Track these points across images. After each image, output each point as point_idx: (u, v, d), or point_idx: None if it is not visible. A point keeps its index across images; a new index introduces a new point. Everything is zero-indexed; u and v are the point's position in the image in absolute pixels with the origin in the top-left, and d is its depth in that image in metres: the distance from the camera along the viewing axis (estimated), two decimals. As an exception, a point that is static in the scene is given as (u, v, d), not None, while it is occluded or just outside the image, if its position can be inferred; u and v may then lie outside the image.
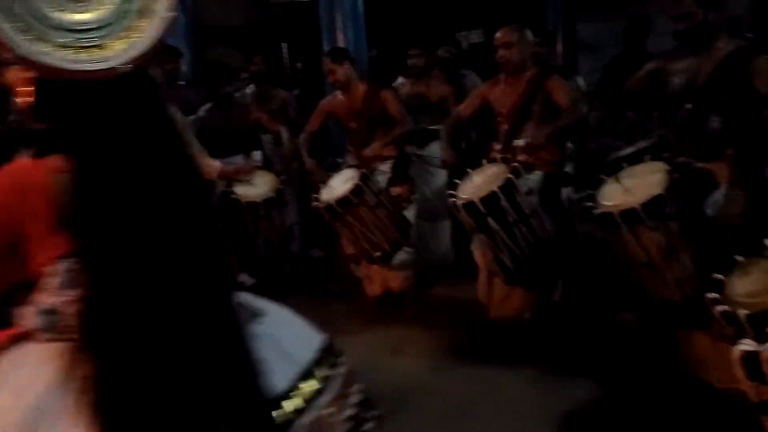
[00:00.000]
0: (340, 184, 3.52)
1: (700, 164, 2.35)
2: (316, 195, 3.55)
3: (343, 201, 3.38)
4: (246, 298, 1.18)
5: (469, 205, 2.89)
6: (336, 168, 3.79)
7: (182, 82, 5.07)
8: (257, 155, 4.12)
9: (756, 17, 5.73)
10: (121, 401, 0.79)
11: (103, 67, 0.83)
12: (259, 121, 4.11)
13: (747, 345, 1.08)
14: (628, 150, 2.61)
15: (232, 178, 3.62)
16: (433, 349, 3.22)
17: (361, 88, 3.83)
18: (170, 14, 0.89)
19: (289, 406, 1.04)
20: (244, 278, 3.94)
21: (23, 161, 0.99)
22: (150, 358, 0.80)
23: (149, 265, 0.84)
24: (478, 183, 3.04)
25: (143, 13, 0.87)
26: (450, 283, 4.04)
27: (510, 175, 2.88)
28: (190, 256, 0.89)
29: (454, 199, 2.99)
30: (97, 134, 0.87)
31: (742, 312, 1.65)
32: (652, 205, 2.25)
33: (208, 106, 4.05)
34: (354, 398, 1.18)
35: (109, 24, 0.84)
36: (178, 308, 0.85)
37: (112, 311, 0.80)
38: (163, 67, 4.35)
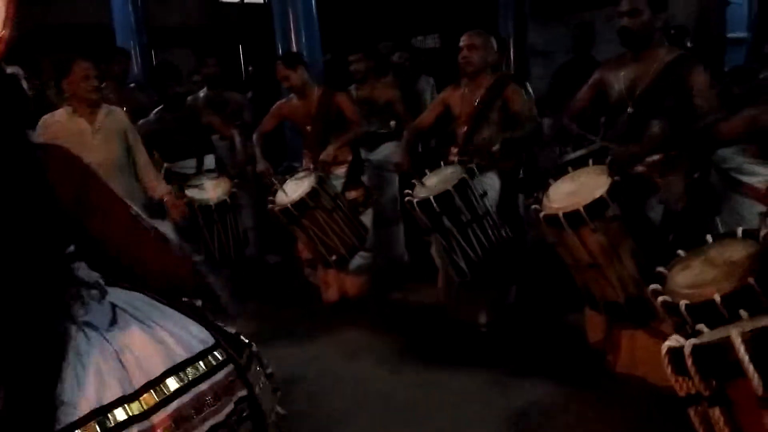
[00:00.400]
0: (296, 188, 3.51)
1: (640, 168, 2.44)
2: (271, 198, 3.53)
3: (299, 204, 3.37)
4: (132, 301, 1.26)
5: (424, 203, 2.94)
6: (292, 172, 3.78)
7: (133, 84, 4.98)
8: (210, 159, 4.07)
9: (700, 27, 5.99)
10: None
11: None
12: (211, 124, 4.06)
13: (672, 341, 1.14)
14: (574, 154, 2.69)
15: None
16: (389, 353, 3.22)
17: (316, 92, 3.83)
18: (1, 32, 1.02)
19: (119, 414, 1.09)
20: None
21: None
22: None
23: None
24: (434, 183, 3.10)
25: None
26: (406, 288, 4.07)
27: (464, 175, 2.94)
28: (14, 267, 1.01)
29: (409, 198, 3.03)
30: None
31: (683, 302, 1.72)
32: (594, 207, 2.33)
33: (158, 108, 3.99)
34: (223, 412, 1.20)
35: None
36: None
37: None
38: (111, 69, 4.27)
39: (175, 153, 3.91)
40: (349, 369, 3.09)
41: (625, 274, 2.41)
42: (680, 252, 2.01)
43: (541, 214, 2.48)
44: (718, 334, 1.14)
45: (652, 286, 1.89)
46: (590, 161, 2.56)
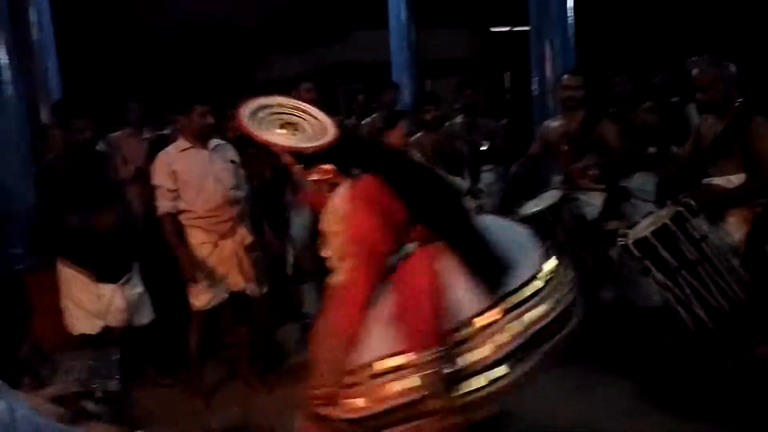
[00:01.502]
0: (540, 202, 3.61)
1: None
2: (516, 209, 3.65)
3: (536, 216, 3.41)
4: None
5: (625, 247, 2.77)
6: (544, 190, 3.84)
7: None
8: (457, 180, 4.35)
9: None
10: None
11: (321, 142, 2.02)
12: (461, 152, 4.38)
13: None
14: None
15: None
16: (620, 392, 3.08)
17: (581, 113, 3.83)
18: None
19: (529, 289, 1.87)
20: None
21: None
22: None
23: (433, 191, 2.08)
24: (646, 225, 2.86)
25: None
26: (653, 327, 3.74)
27: (666, 221, 2.68)
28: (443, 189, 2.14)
29: (618, 240, 2.89)
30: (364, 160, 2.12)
31: None
32: None
33: (419, 134, 4.39)
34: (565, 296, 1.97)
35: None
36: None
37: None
38: (380, 99, 4.87)
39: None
40: (574, 401, 3.01)
41: None
42: None
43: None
44: None
45: None
46: None
